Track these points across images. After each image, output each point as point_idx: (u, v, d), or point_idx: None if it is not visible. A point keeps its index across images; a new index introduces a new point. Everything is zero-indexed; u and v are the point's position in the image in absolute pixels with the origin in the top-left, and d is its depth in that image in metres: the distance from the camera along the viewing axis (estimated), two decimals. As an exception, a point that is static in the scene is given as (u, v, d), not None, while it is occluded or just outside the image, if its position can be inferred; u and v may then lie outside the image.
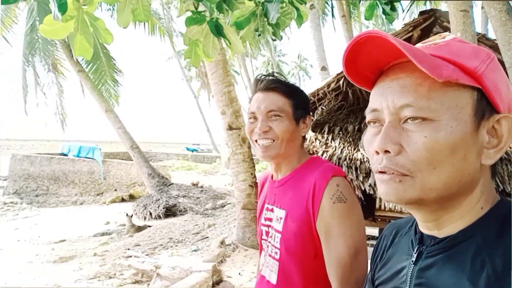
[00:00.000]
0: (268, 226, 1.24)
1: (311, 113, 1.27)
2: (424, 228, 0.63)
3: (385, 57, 0.58)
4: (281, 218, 1.16)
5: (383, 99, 0.58)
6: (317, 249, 1.08)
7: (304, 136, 1.26)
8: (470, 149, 0.55)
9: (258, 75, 1.24)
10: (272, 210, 1.23)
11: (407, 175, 0.55)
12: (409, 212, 0.66)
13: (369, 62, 0.60)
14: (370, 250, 1.04)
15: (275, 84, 1.18)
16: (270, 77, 1.22)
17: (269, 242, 1.22)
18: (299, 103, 1.20)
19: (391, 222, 0.82)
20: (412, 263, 0.62)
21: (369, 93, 0.64)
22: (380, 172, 0.58)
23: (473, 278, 0.51)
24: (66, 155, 16.55)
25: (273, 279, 1.17)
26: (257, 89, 1.21)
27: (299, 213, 1.10)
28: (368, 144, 0.61)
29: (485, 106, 0.55)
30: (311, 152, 4.46)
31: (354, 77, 0.64)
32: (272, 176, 1.30)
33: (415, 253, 0.62)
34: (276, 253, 1.17)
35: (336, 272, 1.01)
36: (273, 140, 1.15)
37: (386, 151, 0.56)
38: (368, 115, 0.62)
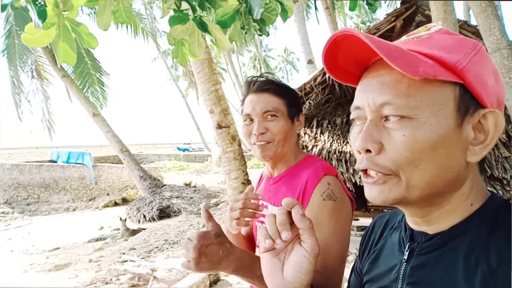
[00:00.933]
0: (262, 222, 1.25)
1: (302, 110, 1.29)
2: (413, 224, 0.62)
3: (364, 53, 0.56)
4: None
5: (364, 97, 0.56)
6: None
7: (299, 133, 1.28)
8: (453, 146, 0.53)
9: (249, 77, 1.24)
10: (266, 207, 1.25)
11: (390, 174, 0.53)
12: (401, 208, 0.65)
13: (349, 58, 0.59)
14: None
15: (268, 85, 1.18)
16: (262, 78, 1.22)
17: None
18: (292, 101, 1.21)
19: (380, 214, 0.81)
20: (404, 261, 0.60)
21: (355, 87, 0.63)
22: (363, 172, 0.57)
23: (467, 276, 0.50)
24: (55, 161, 16.36)
25: None
26: (249, 91, 1.21)
27: None
28: (353, 142, 0.59)
29: (469, 101, 0.53)
30: (300, 147, 4.43)
31: (337, 73, 0.62)
32: (268, 174, 1.32)
33: (406, 251, 0.61)
34: None
35: (324, 265, 1.01)
36: (269, 142, 1.17)
37: (367, 151, 0.54)
38: (352, 113, 0.60)
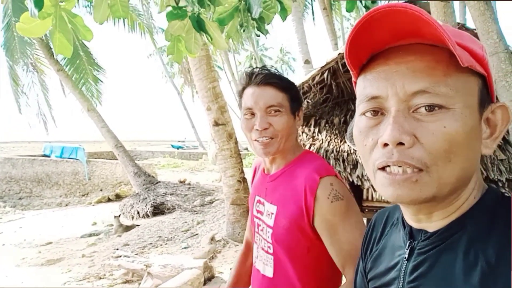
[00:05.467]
0: (259, 219, 1.26)
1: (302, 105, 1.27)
2: (413, 221, 0.60)
3: (390, 37, 0.51)
4: (272, 213, 1.17)
5: (389, 85, 0.51)
6: (310, 244, 1.10)
7: (297, 128, 1.25)
8: (479, 139, 0.52)
9: (250, 68, 1.20)
10: (263, 204, 1.24)
11: (423, 169, 0.49)
12: (401, 206, 0.63)
13: (370, 42, 0.53)
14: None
15: (272, 79, 1.14)
16: (265, 71, 1.17)
17: (261, 236, 1.24)
18: (294, 95, 1.18)
19: (379, 211, 0.79)
20: (404, 259, 0.60)
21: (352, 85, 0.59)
22: (382, 169, 0.52)
23: (466, 272, 0.49)
24: (48, 156, 16.24)
25: (269, 273, 1.19)
26: (251, 83, 1.16)
27: (291, 210, 1.10)
28: (364, 136, 0.54)
29: (486, 95, 0.53)
30: (299, 142, 4.44)
31: (352, 59, 0.56)
32: (264, 168, 1.30)
33: (407, 249, 0.60)
34: (269, 247, 1.19)
35: (350, 264, 1.01)
36: (272, 138, 1.13)
37: (399, 144, 0.49)
38: (365, 104, 0.54)
